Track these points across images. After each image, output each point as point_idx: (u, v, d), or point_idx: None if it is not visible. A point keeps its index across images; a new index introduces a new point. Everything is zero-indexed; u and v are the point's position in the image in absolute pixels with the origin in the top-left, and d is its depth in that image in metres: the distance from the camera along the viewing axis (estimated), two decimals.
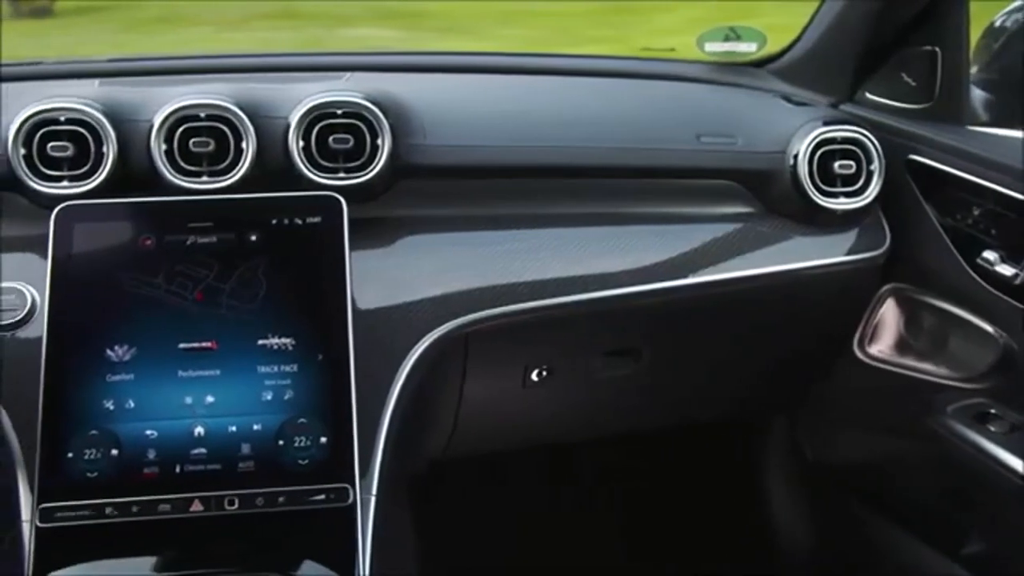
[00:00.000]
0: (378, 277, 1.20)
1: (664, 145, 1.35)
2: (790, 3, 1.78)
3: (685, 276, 1.29)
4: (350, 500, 1.06)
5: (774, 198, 1.35)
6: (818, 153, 1.32)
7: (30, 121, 1.16)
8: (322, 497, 1.06)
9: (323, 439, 1.08)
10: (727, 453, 1.96)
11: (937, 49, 1.37)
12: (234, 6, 4.68)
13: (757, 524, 1.89)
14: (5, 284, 1.14)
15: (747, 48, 1.58)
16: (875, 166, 1.33)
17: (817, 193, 1.32)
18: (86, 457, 1.05)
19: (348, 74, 1.37)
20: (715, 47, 1.58)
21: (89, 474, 1.05)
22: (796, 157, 1.32)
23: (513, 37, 4.26)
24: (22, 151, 1.16)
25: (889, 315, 1.44)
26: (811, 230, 1.35)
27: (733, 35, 1.57)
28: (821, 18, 1.48)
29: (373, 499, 1.10)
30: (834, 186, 1.33)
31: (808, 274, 1.35)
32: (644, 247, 1.30)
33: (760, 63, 1.60)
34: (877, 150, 1.33)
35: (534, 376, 1.39)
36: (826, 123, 1.34)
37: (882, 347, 1.46)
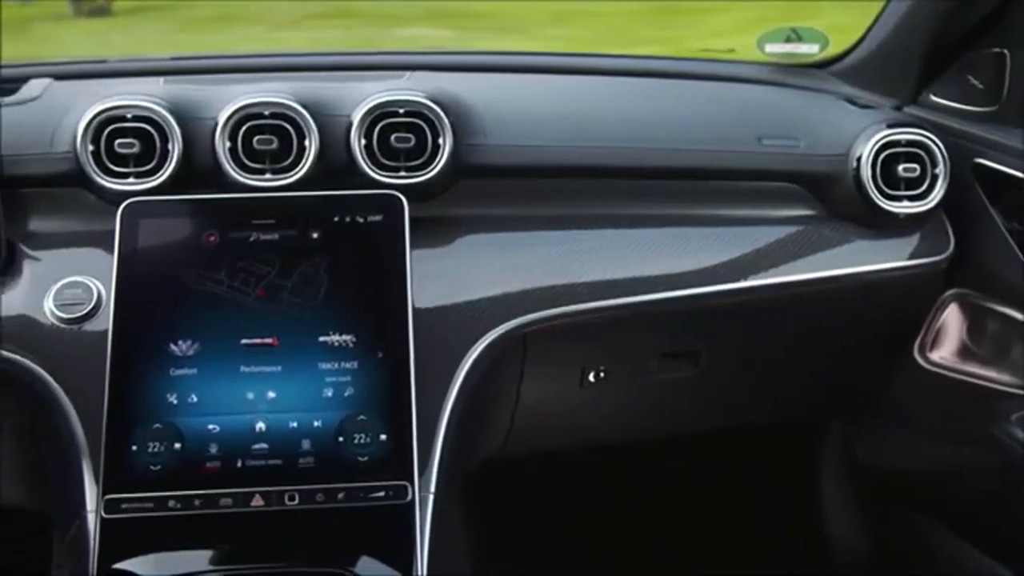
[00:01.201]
0: (438, 276, 1.20)
1: (725, 147, 1.34)
2: (848, 3, 1.76)
3: (746, 279, 1.29)
4: (409, 497, 1.07)
5: (836, 201, 1.34)
6: (882, 156, 1.30)
7: (99, 118, 1.18)
8: (381, 494, 1.07)
9: (383, 436, 1.09)
10: (782, 456, 1.94)
11: (1005, 51, 1.35)
12: (288, 6, 4.72)
13: (811, 528, 1.88)
14: (72, 278, 1.16)
15: (808, 49, 1.56)
16: (940, 169, 1.31)
17: (880, 196, 1.30)
18: (150, 450, 1.07)
19: (408, 73, 1.37)
20: (776, 48, 1.56)
21: (152, 467, 1.06)
22: (859, 160, 1.30)
23: (565, 37, 4.25)
24: (90, 147, 1.18)
25: (952, 321, 1.42)
26: (873, 234, 1.34)
27: (794, 36, 1.55)
28: (886, 19, 1.46)
29: (431, 497, 1.10)
30: (898, 189, 1.31)
31: (870, 278, 1.34)
32: (705, 249, 1.29)
33: (821, 65, 1.57)
34: (942, 153, 1.31)
35: (591, 377, 1.38)
36: (890, 125, 1.32)
37: (944, 353, 1.44)
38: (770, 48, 1.56)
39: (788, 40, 1.56)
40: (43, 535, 1.38)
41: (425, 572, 1.06)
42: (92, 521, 1.05)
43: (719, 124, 1.38)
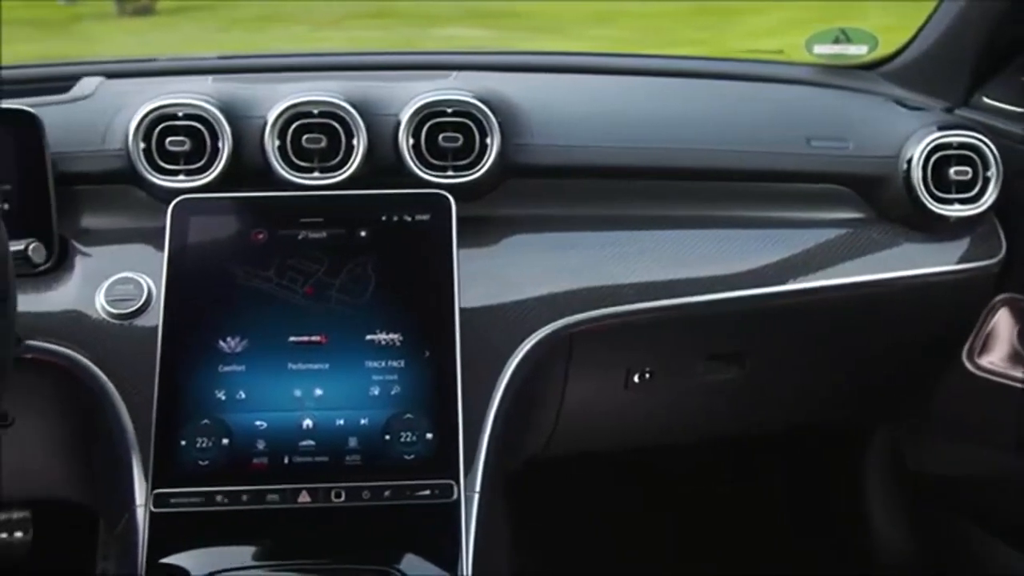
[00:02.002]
0: (484, 276, 1.20)
1: (774, 148, 1.33)
2: (891, 4, 1.75)
3: (794, 281, 1.28)
4: (455, 496, 1.07)
5: (886, 204, 1.32)
6: (933, 158, 1.29)
7: (150, 116, 1.19)
8: (427, 492, 1.07)
9: (429, 435, 1.09)
10: (826, 460, 1.92)
11: None
12: (329, 5, 4.75)
13: (854, 533, 1.86)
14: (123, 275, 1.17)
15: (857, 51, 1.54)
16: (992, 172, 1.29)
17: (931, 199, 1.29)
18: (198, 446, 1.08)
19: (455, 73, 1.38)
20: (824, 49, 1.54)
21: (201, 462, 1.07)
22: (910, 162, 1.29)
23: (605, 37, 4.25)
24: (142, 145, 1.19)
25: (1002, 325, 1.40)
26: (923, 237, 1.32)
27: (843, 37, 1.53)
28: (938, 20, 1.44)
29: (476, 496, 1.10)
30: (949, 192, 1.29)
31: (919, 282, 1.32)
32: (753, 251, 1.28)
33: (870, 66, 1.56)
34: (994, 156, 1.29)
35: (636, 378, 1.38)
36: (941, 128, 1.30)
37: (993, 358, 1.42)
38: (819, 49, 1.54)
39: (837, 41, 1.54)
40: (89, 528, 1.39)
41: (470, 571, 1.06)
42: (141, 515, 1.06)
43: (767, 125, 1.37)
